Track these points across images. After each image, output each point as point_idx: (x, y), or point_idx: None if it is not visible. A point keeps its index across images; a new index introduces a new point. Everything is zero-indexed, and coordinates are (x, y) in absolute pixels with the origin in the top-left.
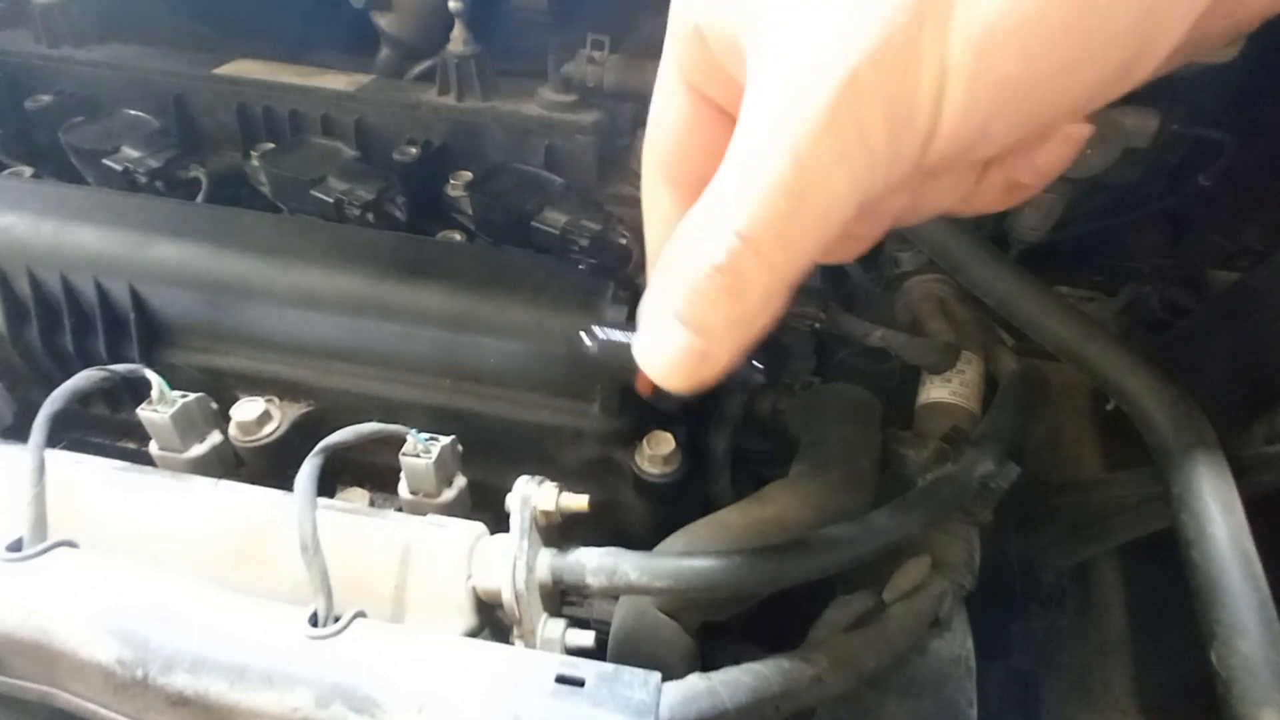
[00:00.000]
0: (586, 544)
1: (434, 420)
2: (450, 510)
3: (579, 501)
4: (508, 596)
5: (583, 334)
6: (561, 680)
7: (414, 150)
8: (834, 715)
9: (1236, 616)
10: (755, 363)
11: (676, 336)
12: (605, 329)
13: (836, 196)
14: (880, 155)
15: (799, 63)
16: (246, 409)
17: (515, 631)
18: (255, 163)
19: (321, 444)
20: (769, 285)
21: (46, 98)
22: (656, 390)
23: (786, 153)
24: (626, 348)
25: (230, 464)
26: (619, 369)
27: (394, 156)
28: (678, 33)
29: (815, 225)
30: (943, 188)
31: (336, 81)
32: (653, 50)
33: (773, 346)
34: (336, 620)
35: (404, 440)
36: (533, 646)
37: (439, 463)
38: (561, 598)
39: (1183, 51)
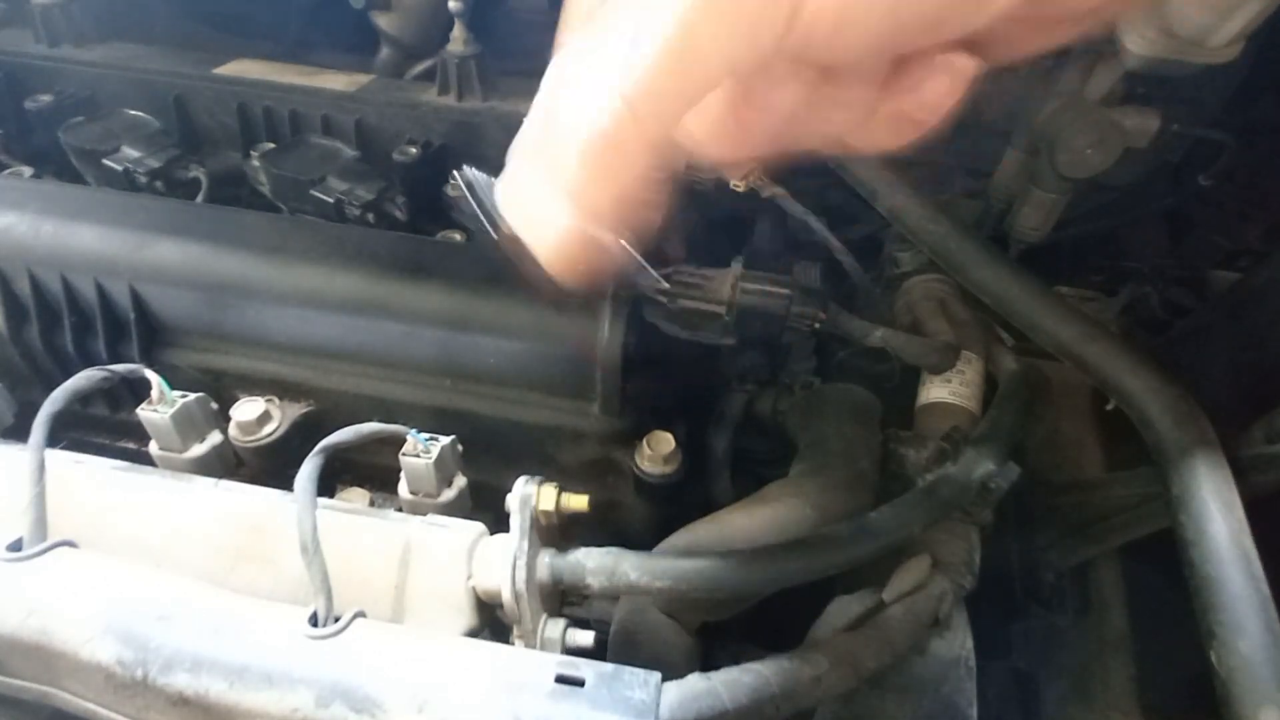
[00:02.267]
0: (586, 544)
1: (434, 420)
2: (450, 510)
3: (579, 501)
4: (508, 596)
5: (459, 177)
6: (561, 680)
7: (414, 150)
8: (834, 715)
9: (1236, 616)
10: (645, 264)
11: (559, 214)
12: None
13: (709, 60)
14: (749, 21)
15: None
16: (246, 409)
17: (515, 631)
18: (255, 163)
19: (321, 444)
20: (644, 157)
21: (46, 98)
22: (546, 278)
23: (673, 14)
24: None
25: (230, 464)
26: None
27: (394, 156)
28: None
29: (689, 95)
30: (837, 103)
31: (336, 81)
32: None
33: (773, 346)
34: (336, 620)
35: (404, 440)
36: (533, 646)
37: (439, 463)
38: (561, 598)
39: (1020, 29)
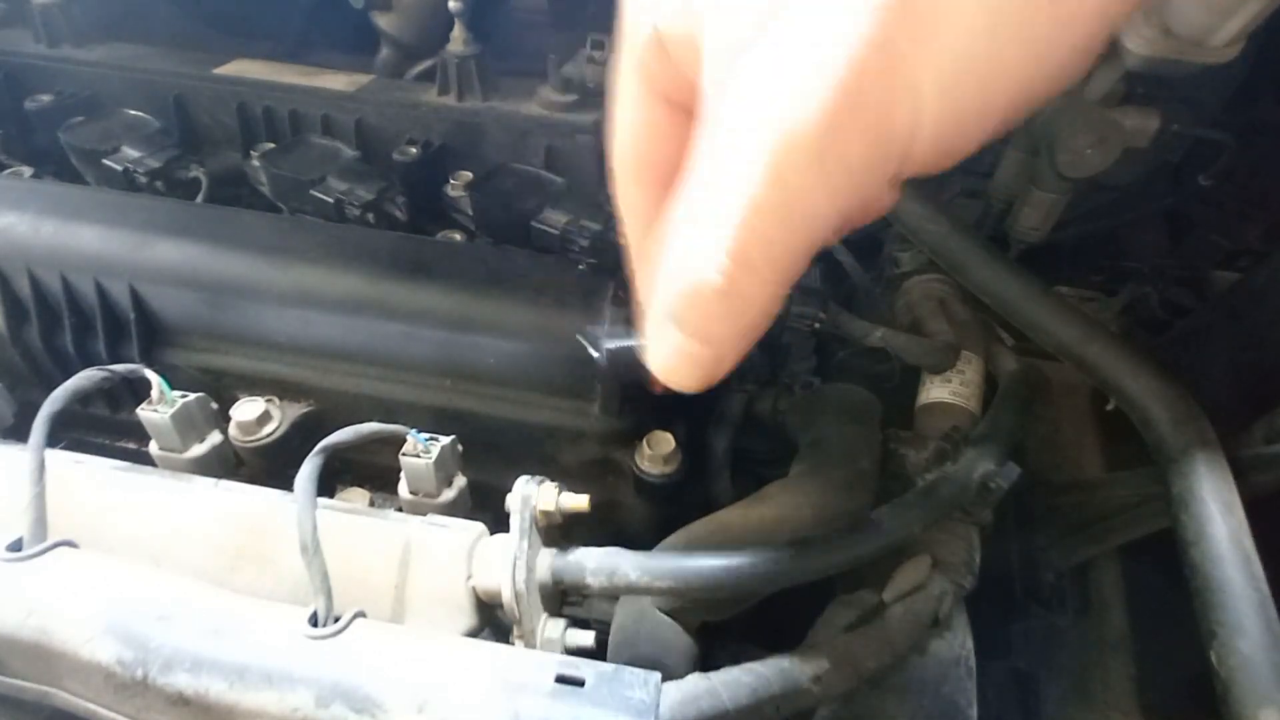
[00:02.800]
0: (586, 544)
1: (434, 420)
2: (450, 510)
3: (579, 501)
4: (508, 596)
5: (587, 343)
6: (561, 680)
7: (414, 150)
8: (834, 715)
9: (1236, 616)
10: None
11: (685, 346)
12: (610, 333)
13: (818, 215)
14: (858, 177)
15: (779, 84)
16: (246, 409)
17: (515, 631)
18: (255, 163)
19: (321, 444)
20: (766, 294)
21: (46, 98)
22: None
23: (772, 179)
24: (633, 351)
25: (230, 464)
26: (628, 372)
27: (394, 156)
28: (636, 34)
29: (800, 241)
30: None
31: (336, 81)
32: None
33: (773, 346)
34: (336, 620)
35: (404, 440)
36: (533, 646)
37: (439, 463)
38: (561, 598)
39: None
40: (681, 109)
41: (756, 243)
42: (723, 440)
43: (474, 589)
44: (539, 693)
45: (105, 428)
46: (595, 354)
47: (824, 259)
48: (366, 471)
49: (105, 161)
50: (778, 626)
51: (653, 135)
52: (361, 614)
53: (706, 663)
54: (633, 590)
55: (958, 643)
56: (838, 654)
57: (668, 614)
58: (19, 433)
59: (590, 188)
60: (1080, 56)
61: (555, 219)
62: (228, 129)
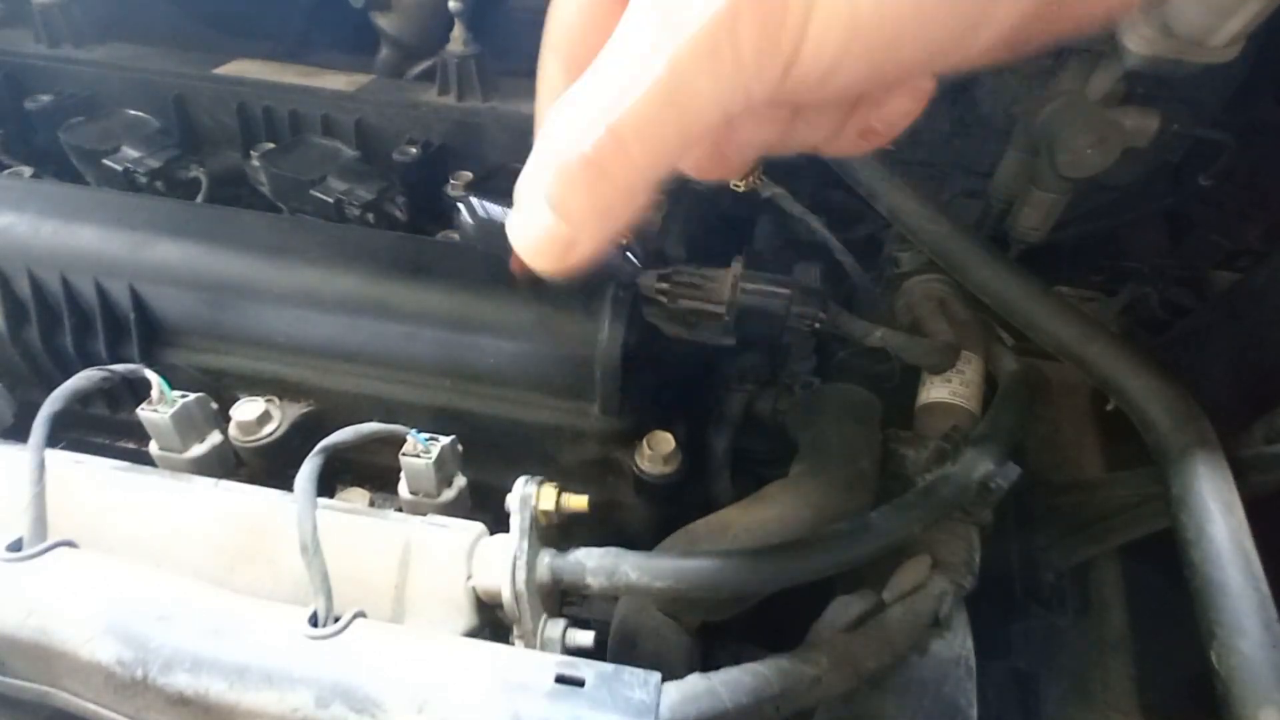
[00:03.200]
0: (586, 544)
1: (434, 420)
2: (450, 510)
3: (579, 501)
4: (508, 596)
5: (462, 206)
6: (561, 680)
7: (414, 150)
8: (834, 715)
9: (1236, 616)
10: (630, 255)
11: (543, 218)
12: (485, 204)
13: (702, 104)
14: (746, 72)
15: None
16: (246, 409)
17: (515, 631)
18: (255, 163)
19: (321, 444)
20: (630, 180)
21: (46, 98)
22: (527, 271)
23: (664, 58)
24: (501, 226)
25: (230, 464)
26: (494, 243)
27: (394, 156)
28: None
29: (679, 129)
30: (810, 126)
31: (336, 81)
32: None
33: (773, 346)
34: (336, 620)
35: (404, 440)
36: (533, 646)
37: (439, 463)
38: (561, 598)
39: (1006, 43)
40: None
41: (632, 120)
42: (723, 440)
43: (474, 589)
44: (539, 693)
45: (105, 428)
46: (468, 221)
47: (824, 259)
48: (366, 471)
49: (105, 161)
50: (778, 626)
51: (583, 14)
52: (361, 614)
53: (706, 663)
54: (633, 590)
55: (958, 643)
56: (838, 654)
57: (668, 614)
58: (19, 433)
59: None
60: (997, 9)
61: None
62: (228, 129)
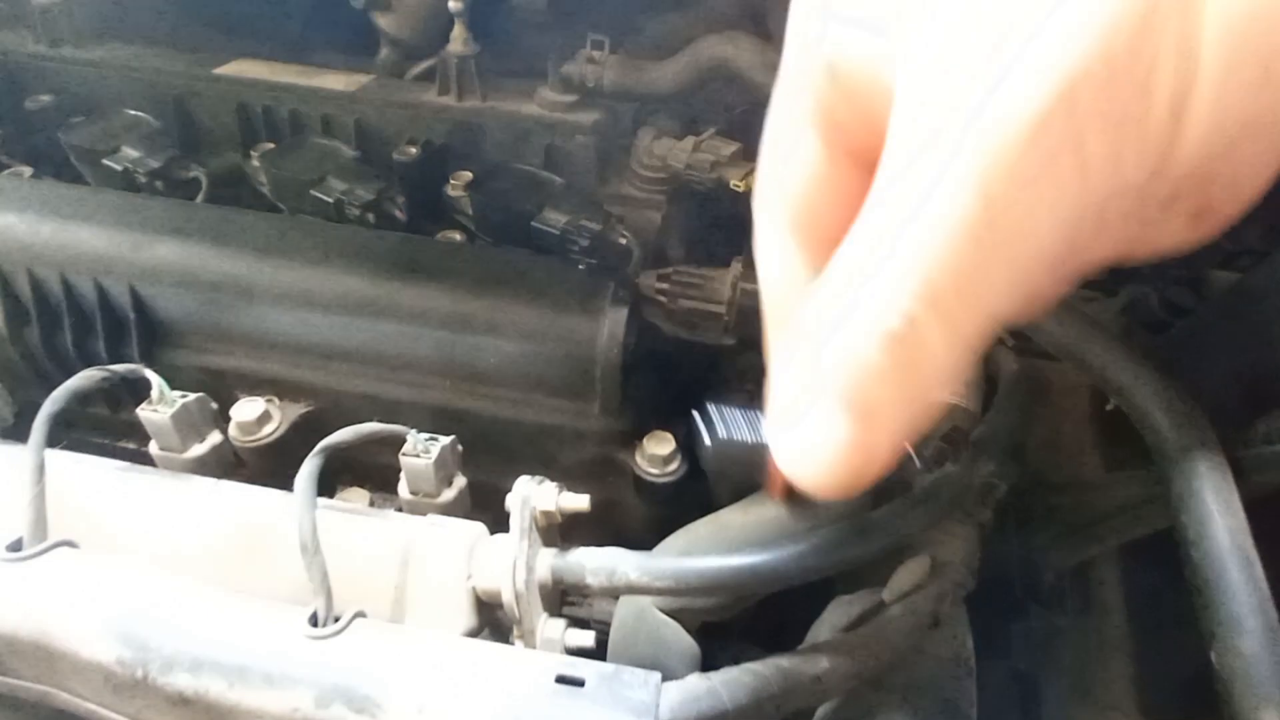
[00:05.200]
0: (586, 544)
1: (434, 420)
2: (450, 510)
3: (579, 501)
4: (508, 596)
5: (699, 419)
6: (561, 680)
7: (414, 150)
8: (834, 715)
9: (1236, 616)
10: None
11: (836, 429)
12: (724, 413)
13: (1038, 240)
14: (1096, 184)
15: (979, 66)
16: (246, 409)
17: (515, 631)
18: (255, 163)
19: (321, 444)
20: (951, 354)
21: (46, 98)
22: (791, 493)
23: (973, 187)
24: (754, 449)
25: (230, 464)
26: (735, 470)
27: (394, 156)
28: (808, 70)
29: (1010, 277)
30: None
31: (336, 81)
32: (652, 50)
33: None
34: (336, 620)
35: (404, 440)
36: (533, 646)
37: (439, 463)
38: (561, 598)
39: None
40: (858, 162)
41: (946, 275)
42: None
43: (474, 589)
44: (539, 693)
45: (105, 428)
46: (706, 443)
47: None
48: (366, 471)
49: (105, 161)
50: (778, 626)
51: (821, 184)
52: (361, 614)
53: (706, 663)
54: (633, 590)
55: (958, 643)
56: (838, 654)
57: (668, 614)
58: (19, 433)
59: (590, 188)
60: None
61: (555, 219)
62: (228, 129)
